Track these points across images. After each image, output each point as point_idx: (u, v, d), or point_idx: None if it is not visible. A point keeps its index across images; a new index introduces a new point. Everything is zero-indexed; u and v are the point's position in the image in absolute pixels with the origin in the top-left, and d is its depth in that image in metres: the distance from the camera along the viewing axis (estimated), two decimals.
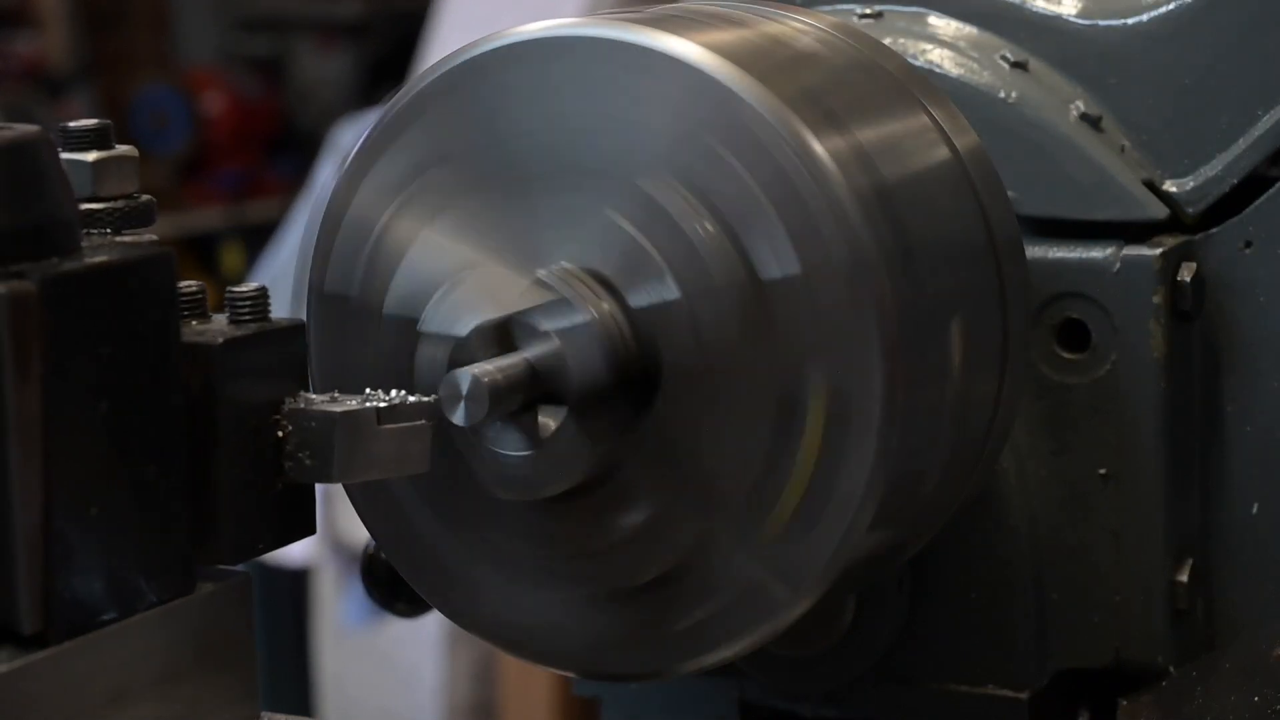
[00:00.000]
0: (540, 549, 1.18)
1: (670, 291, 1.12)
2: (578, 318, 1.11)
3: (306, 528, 1.05)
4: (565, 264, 1.13)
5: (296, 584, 4.31)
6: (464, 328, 1.12)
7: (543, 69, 1.14)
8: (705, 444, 1.13)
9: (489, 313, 1.12)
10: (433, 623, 3.92)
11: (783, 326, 1.11)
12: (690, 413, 1.13)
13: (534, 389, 1.11)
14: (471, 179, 1.16)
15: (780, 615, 1.13)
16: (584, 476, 1.14)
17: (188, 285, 1.02)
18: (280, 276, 4.14)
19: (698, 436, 1.13)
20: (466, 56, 1.17)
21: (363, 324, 1.19)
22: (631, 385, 1.13)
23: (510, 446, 1.13)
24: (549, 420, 1.12)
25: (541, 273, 1.13)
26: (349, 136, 4.28)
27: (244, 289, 1.04)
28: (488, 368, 1.09)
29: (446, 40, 4.09)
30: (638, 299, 1.12)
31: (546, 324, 1.12)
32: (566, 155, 1.14)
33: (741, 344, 1.11)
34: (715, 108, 1.10)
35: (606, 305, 1.12)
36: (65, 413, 0.92)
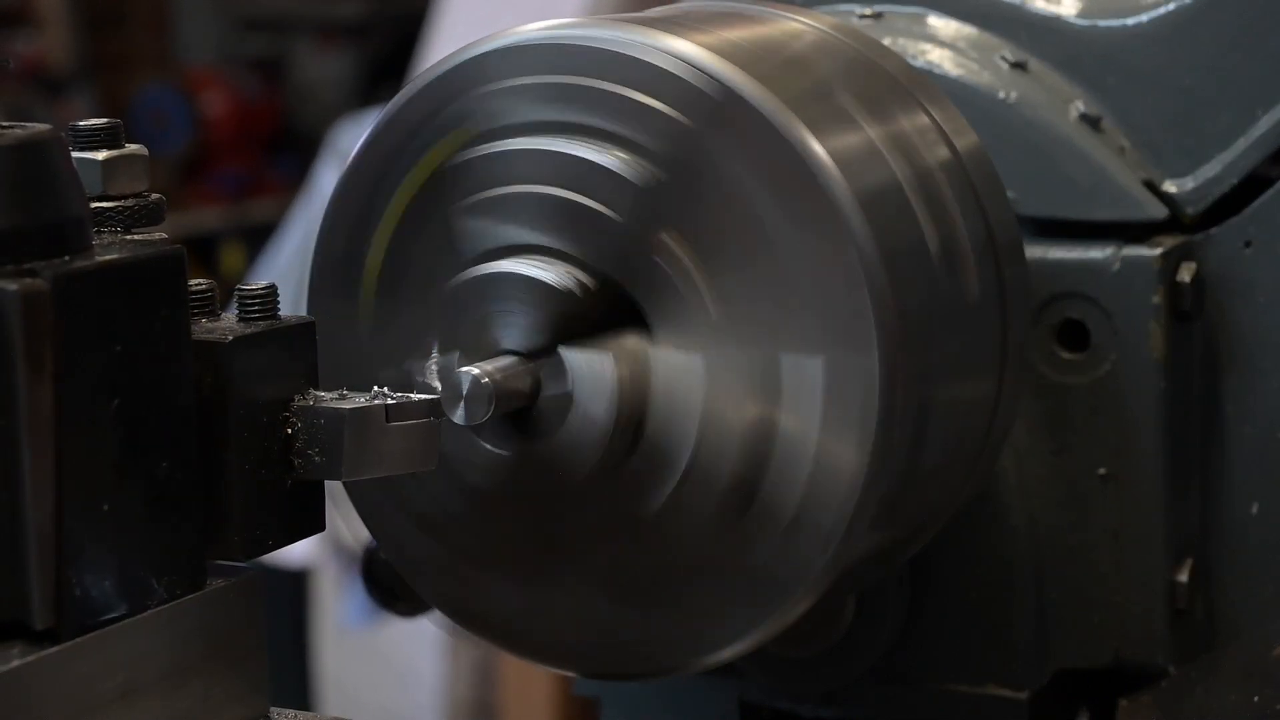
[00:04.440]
0: (533, 548, 1.19)
1: (689, 435, 1.12)
2: (602, 407, 1.11)
3: (315, 525, 1.06)
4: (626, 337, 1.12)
5: (296, 584, 4.31)
6: (511, 308, 1.13)
7: (542, 69, 1.14)
8: (646, 517, 1.14)
9: (541, 308, 1.12)
10: (432, 623, 3.90)
11: (765, 502, 1.12)
12: (638, 493, 1.14)
13: (527, 401, 1.12)
14: (502, 169, 1.16)
15: (780, 615, 1.14)
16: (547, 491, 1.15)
17: (197, 284, 1.02)
18: (281, 276, 4.13)
19: (639, 508, 1.14)
20: (468, 56, 1.17)
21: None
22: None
23: (498, 445, 1.15)
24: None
25: (607, 352, 1.12)
26: (349, 138, 4.27)
27: (253, 287, 1.04)
28: (489, 368, 1.10)
29: (446, 40, 4.09)
30: (661, 424, 1.12)
31: (576, 382, 1.12)
32: (574, 159, 1.13)
33: (716, 514, 1.12)
34: (716, 108, 1.11)
35: (630, 413, 1.12)
36: (77, 410, 0.93)
